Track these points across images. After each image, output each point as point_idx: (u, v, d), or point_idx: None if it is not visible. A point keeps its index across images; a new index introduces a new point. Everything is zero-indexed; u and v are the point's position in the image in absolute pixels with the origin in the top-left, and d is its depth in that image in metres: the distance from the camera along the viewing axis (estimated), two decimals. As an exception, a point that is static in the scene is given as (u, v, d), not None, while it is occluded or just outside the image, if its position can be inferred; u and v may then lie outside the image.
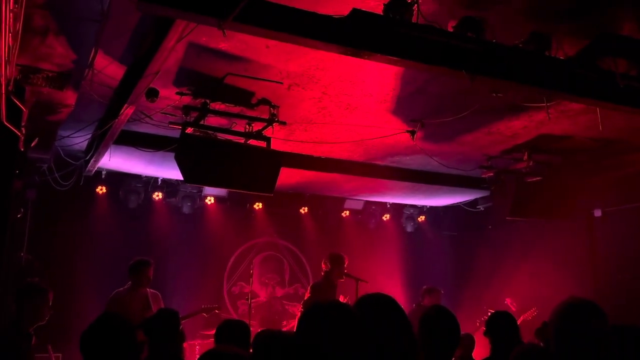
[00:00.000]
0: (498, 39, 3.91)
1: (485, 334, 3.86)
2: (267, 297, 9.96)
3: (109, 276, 7.38)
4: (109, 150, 6.41)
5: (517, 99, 5.27)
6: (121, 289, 6.47)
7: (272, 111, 5.53)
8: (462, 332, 3.66)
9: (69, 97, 4.90)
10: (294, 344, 1.97)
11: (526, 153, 7.00)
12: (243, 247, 9.90)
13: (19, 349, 4.16)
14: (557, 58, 4.07)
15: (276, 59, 4.59)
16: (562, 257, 8.40)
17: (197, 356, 6.80)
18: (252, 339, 3.44)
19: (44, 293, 4.67)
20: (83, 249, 8.11)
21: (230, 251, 9.77)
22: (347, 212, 10.61)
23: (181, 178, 5.75)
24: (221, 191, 9.20)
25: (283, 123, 5.66)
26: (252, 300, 8.16)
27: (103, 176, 8.28)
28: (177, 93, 5.24)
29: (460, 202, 10.05)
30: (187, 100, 5.36)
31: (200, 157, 5.49)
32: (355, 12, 3.47)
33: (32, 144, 5.56)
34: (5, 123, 4.14)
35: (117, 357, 3.07)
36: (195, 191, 9.06)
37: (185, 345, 5.41)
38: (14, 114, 4.29)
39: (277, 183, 6.00)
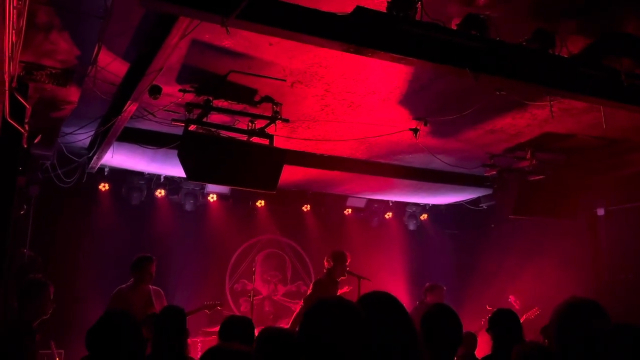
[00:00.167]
0: (502, 36, 3.90)
1: (488, 330, 3.86)
2: (269, 295, 9.96)
3: (112, 273, 7.39)
4: (111, 147, 6.42)
5: (520, 98, 5.26)
6: (124, 285, 6.47)
7: (275, 108, 5.53)
8: (465, 331, 3.66)
9: (72, 93, 4.91)
10: (297, 340, 1.97)
11: (529, 151, 6.99)
12: (245, 245, 9.90)
13: (22, 345, 4.18)
14: (561, 56, 4.06)
15: (279, 57, 4.58)
16: (565, 256, 8.39)
17: (199, 353, 6.81)
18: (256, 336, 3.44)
19: (44, 288, 4.71)
20: (85, 245, 8.13)
21: (232, 248, 9.78)
22: (350, 210, 10.60)
23: (184, 175, 5.75)
24: (224, 188, 9.20)
25: (286, 120, 5.66)
26: (254, 298, 8.16)
27: (106, 173, 8.29)
28: (180, 90, 5.24)
29: (463, 201, 10.04)
30: (190, 97, 5.35)
31: (203, 154, 5.49)
32: (358, 9, 3.46)
33: (35, 141, 5.57)
34: (9, 120, 4.14)
35: (123, 353, 3.08)
36: (197, 188, 9.06)
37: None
38: (17, 110, 4.29)
39: (279, 180, 6.00)
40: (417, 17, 3.61)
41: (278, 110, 5.53)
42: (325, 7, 3.42)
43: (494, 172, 7.54)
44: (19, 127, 4.39)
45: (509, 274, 9.17)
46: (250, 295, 8.02)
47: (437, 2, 3.69)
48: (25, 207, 7.03)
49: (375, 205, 10.76)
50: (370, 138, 6.62)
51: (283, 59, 4.64)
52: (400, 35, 3.55)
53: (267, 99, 5.46)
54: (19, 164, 4.95)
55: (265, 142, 5.91)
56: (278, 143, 6.06)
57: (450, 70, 3.95)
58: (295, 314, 7.02)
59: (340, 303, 2.00)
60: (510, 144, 6.90)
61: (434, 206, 11.04)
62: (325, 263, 7.01)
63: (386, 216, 10.86)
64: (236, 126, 5.92)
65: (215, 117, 5.67)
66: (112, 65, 4.61)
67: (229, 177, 5.89)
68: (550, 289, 7.78)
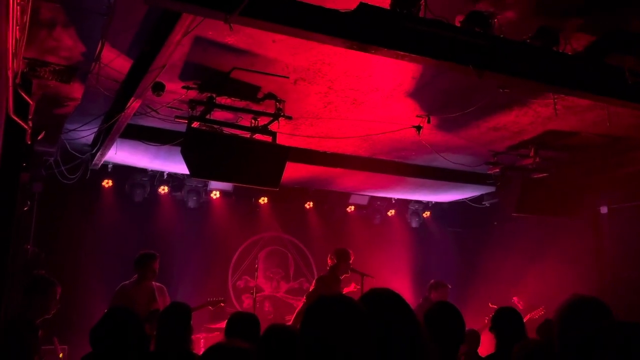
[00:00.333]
0: (506, 34, 3.89)
1: (491, 329, 3.85)
2: (271, 291, 9.98)
3: (115, 269, 7.41)
4: (115, 144, 6.43)
5: (524, 95, 5.25)
6: (127, 282, 6.49)
7: (278, 106, 5.53)
8: (467, 328, 3.66)
9: (76, 90, 4.91)
10: (299, 337, 1.96)
11: (532, 149, 6.97)
12: (248, 242, 9.92)
13: (26, 341, 4.19)
14: (565, 54, 4.05)
15: (282, 54, 4.58)
16: (568, 254, 8.37)
17: (202, 349, 6.82)
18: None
19: (53, 287, 4.73)
20: (89, 242, 8.14)
21: (235, 245, 9.80)
22: (352, 207, 10.61)
23: (187, 172, 5.76)
24: (226, 185, 9.21)
25: (289, 118, 5.66)
26: (257, 295, 8.18)
27: (109, 170, 8.30)
28: (184, 87, 5.24)
29: (465, 198, 10.03)
30: (193, 94, 5.36)
31: (206, 151, 5.50)
32: (362, 6, 3.46)
33: (39, 137, 5.58)
34: (12, 116, 4.15)
35: (126, 351, 3.09)
36: (200, 185, 9.07)
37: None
38: (20, 107, 4.30)
39: (282, 178, 6.01)
40: (421, 14, 3.60)
41: (281, 107, 5.54)
42: (328, 4, 3.41)
43: (497, 170, 7.52)
44: (23, 124, 4.40)
45: (512, 271, 9.16)
46: (252, 292, 8.04)
47: (441, -1, 3.69)
48: (28, 203, 7.06)
49: (378, 203, 10.76)
50: (373, 135, 6.62)
51: (286, 56, 4.63)
52: (403, 32, 3.55)
53: (270, 96, 5.46)
54: (23, 161, 4.97)
55: (268, 139, 5.91)
56: (281, 140, 6.05)
57: (453, 68, 3.93)
58: (297, 310, 7.04)
59: (342, 300, 2.00)
60: (513, 141, 6.89)
61: (437, 204, 11.04)
62: (329, 260, 7.01)
63: (389, 214, 10.85)
64: (239, 123, 5.92)
65: (218, 114, 5.67)
66: (115, 62, 4.61)
67: (232, 174, 5.90)
68: (553, 287, 7.77)
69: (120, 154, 7.10)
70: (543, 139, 6.70)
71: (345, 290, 7.12)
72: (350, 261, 6.95)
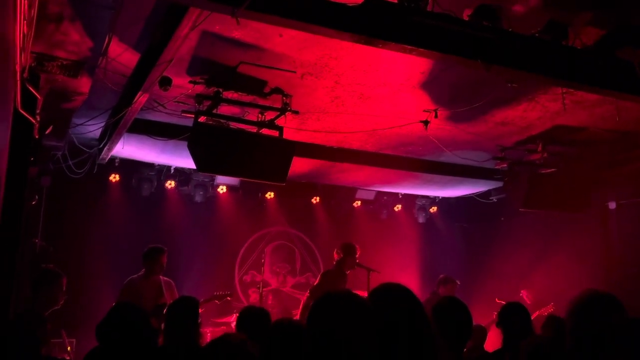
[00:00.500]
0: (514, 28, 3.86)
1: (498, 325, 3.84)
2: (278, 286, 10.00)
3: (122, 263, 7.45)
4: (122, 139, 6.44)
5: (532, 90, 5.22)
6: (135, 275, 6.52)
7: (285, 100, 5.52)
8: (474, 324, 3.65)
9: (83, 84, 4.92)
10: (305, 334, 1.97)
11: (540, 144, 6.93)
12: (255, 236, 9.94)
13: (34, 334, 4.21)
14: (574, 48, 4.01)
15: (289, 48, 4.57)
16: (576, 250, 8.34)
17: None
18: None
19: (58, 278, 4.78)
20: (96, 235, 8.19)
21: (242, 240, 9.82)
22: (359, 202, 10.59)
23: (194, 167, 5.76)
24: (233, 180, 9.22)
25: (296, 112, 5.65)
26: (263, 289, 8.20)
27: (116, 164, 8.33)
28: (190, 82, 5.24)
29: (472, 193, 9.99)
30: (200, 89, 5.35)
31: (213, 145, 5.50)
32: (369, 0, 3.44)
33: (47, 132, 5.60)
34: (20, 110, 4.16)
35: (133, 346, 3.11)
36: (207, 180, 9.08)
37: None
38: (28, 101, 4.31)
39: (289, 172, 6.00)
40: (429, 8, 3.58)
41: (288, 102, 5.52)
42: (336, -2, 3.40)
43: (505, 165, 7.49)
44: (31, 118, 4.41)
45: (519, 267, 9.14)
46: (259, 287, 8.05)
47: (449, -7, 3.67)
48: (36, 197, 7.10)
49: (385, 198, 10.74)
50: (380, 130, 6.60)
51: (293, 51, 4.62)
52: (411, 26, 3.53)
53: (277, 90, 5.45)
54: (31, 155, 4.99)
55: (275, 133, 5.90)
56: (287, 135, 6.05)
57: (461, 62, 3.91)
58: (302, 304, 7.03)
59: (347, 296, 2.00)
60: (521, 136, 6.85)
61: (444, 199, 11.00)
62: (335, 255, 7.01)
63: (395, 209, 10.83)
64: (246, 118, 5.92)
65: (225, 109, 5.67)
66: (122, 56, 4.61)
67: (239, 169, 5.90)
68: (560, 282, 7.75)
69: (128, 148, 7.12)
70: (551, 134, 6.66)
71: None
72: (357, 256, 6.96)
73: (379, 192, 10.60)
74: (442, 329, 2.98)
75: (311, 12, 3.32)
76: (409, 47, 3.60)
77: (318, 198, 10.15)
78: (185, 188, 9.10)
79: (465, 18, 3.77)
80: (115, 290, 6.63)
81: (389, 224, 10.80)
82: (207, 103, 5.50)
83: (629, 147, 7.06)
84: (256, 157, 5.76)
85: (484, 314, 7.14)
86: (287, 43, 4.46)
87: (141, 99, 5.04)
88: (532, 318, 4.05)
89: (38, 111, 4.74)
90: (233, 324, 7.70)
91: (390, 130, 6.54)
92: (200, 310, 4.02)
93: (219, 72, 5.09)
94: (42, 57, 4.32)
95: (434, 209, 11.02)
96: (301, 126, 6.55)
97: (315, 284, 7.07)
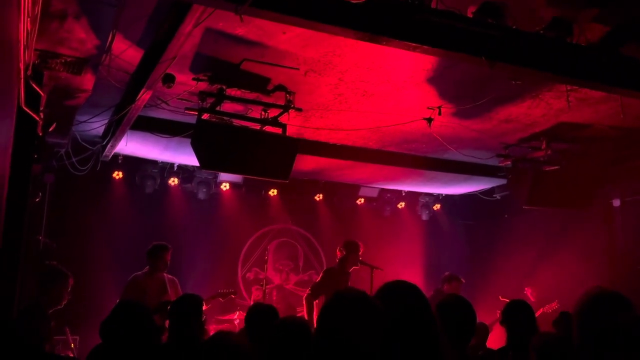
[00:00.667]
0: (518, 25, 3.85)
1: (502, 323, 3.83)
2: (281, 283, 10.00)
3: (125, 260, 7.47)
4: (125, 136, 6.45)
5: (536, 87, 5.20)
6: (139, 273, 6.53)
7: (288, 97, 5.51)
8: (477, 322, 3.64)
9: (87, 82, 4.92)
10: (315, 335, 1.97)
11: (544, 141, 6.91)
12: (258, 233, 9.94)
13: (38, 329, 4.22)
14: (579, 45, 4.00)
15: (293, 45, 4.56)
16: (580, 247, 8.31)
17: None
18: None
19: (66, 278, 4.79)
20: (99, 233, 8.19)
21: (245, 237, 9.81)
22: (362, 200, 10.59)
23: (197, 164, 5.77)
24: (236, 177, 9.22)
25: (299, 109, 5.64)
26: (267, 286, 8.19)
27: (119, 161, 8.32)
28: (194, 79, 5.24)
29: (476, 191, 9.98)
30: (203, 86, 5.35)
31: (216, 143, 5.50)
32: (373, -4, 3.43)
33: (50, 129, 5.60)
34: (24, 108, 4.16)
35: (136, 344, 3.11)
36: (210, 177, 9.08)
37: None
38: (32, 98, 4.31)
39: (292, 170, 6.00)
40: (433, 5, 3.57)
41: (291, 99, 5.52)
42: (339, -5, 3.39)
43: (509, 162, 7.47)
44: (34, 115, 4.42)
45: (523, 264, 9.11)
46: (262, 284, 8.05)
47: (453, -10, 3.65)
48: (40, 194, 7.11)
49: (388, 195, 10.72)
50: (383, 127, 6.59)
51: (296, 48, 4.61)
52: (415, 24, 3.52)
53: (281, 87, 5.44)
54: (34, 152, 4.99)
55: (278, 131, 5.90)
56: (291, 132, 6.04)
57: (465, 59, 3.90)
58: (304, 300, 6.98)
59: (357, 295, 2.00)
60: (525, 133, 6.84)
61: (447, 196, 10.99)
62: (338, 252, 7.00)
63: (399, 206, 10.82)
64: (249, 115, 5.92)
65: (228, 106, 5.66)
66: (126, 53, 4.61)
67: (242, 166, 5.90)
68: (564, 280, 7.72)
69: (131, 145, 7.12)
70: (555, 131, 6.64)
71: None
72: (360, 253, 6.94)
73: (382, 190, 10.59)
74: (447, 326, 2.97)
75: (315, 10, 3.31)
76: (413, 44, 3.59)
77: (321, 195, 10.14)
78: (188, 185, 9.11)
79: (470, 15, 3.76)
80: (119, 288, 6.64)
81: (392, 221, 10.78)
82: (211, 100, 5.50)
83: (634, 144, 7.03)
84: (259, 154, 5.76)
85: (488, 312, 7.13)
86: (290, 40, 4.45)
87: (144, 96, 5.04)
88: (536, 316, 4.04)
89: (41, 108, 4.74)
90: (236, 322, 7.72)
91: (393, 128, 6.53)
92: (204, 308, 4.03)
93: (222, 69, 5.08)
94: (46, 55, 4.31)
95: (437, 207, 11.00)
96: (305, 123, 6.54)
97: (317, 281, 7.06)
